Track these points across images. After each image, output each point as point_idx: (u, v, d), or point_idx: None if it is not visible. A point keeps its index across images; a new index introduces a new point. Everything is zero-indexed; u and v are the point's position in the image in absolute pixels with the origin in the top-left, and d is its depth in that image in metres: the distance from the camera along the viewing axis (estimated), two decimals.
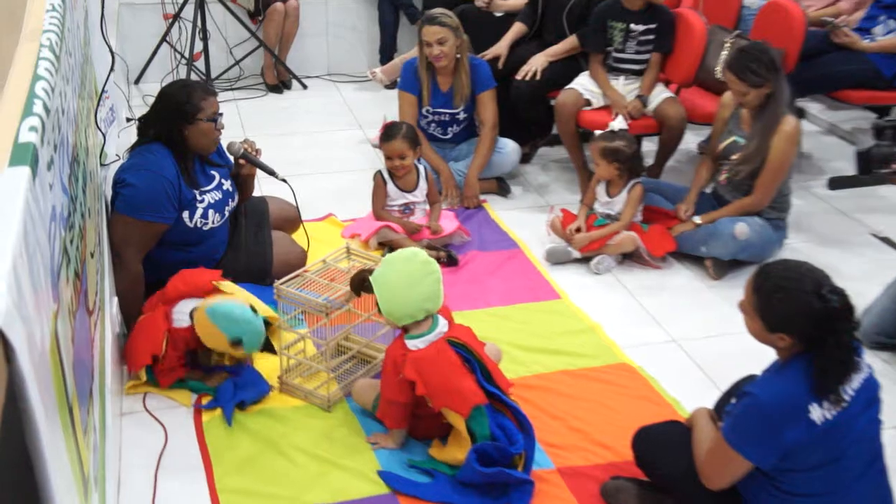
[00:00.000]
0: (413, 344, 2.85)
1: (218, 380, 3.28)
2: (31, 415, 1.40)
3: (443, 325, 2.91)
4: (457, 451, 2.83)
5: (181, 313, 3.25)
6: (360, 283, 2.97)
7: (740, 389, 2.47)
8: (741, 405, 2.38)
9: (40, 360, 1.50)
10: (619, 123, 4.34)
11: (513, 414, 2.89)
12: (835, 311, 2.28)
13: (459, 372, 2.81)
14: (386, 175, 4.36)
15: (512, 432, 2.85)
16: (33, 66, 2.07)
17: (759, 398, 2.34)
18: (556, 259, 4.29)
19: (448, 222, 4.43)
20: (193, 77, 6.22)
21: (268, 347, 3.35)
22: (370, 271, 2.95)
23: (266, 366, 3.40)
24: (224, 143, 3.71)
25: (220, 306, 3.15)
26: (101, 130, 3.75)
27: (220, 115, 3.54)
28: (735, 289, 4.08)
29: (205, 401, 3.25)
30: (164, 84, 6.25)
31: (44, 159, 1.81)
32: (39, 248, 1.64)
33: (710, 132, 4.43)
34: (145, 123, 3.53)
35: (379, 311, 2.91)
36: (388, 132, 4.34)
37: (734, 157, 4.15)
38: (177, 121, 3.45)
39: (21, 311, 1.36)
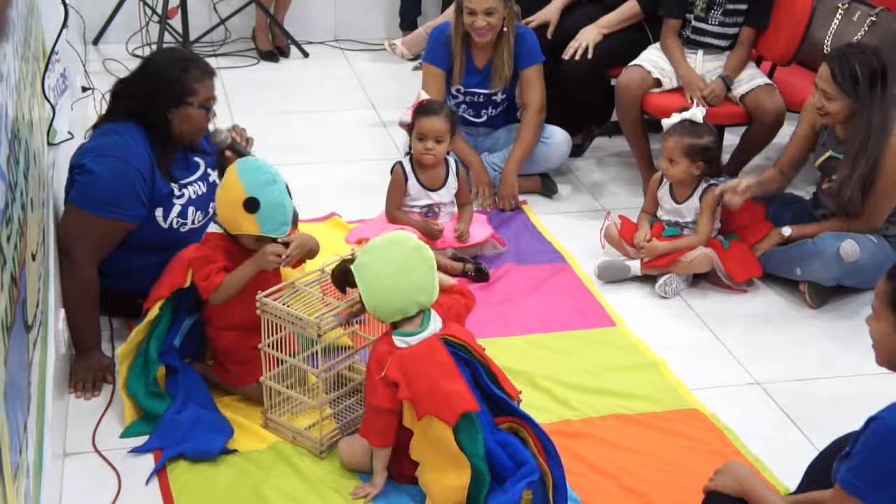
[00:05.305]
0: (402, 341, 2.98)
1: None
2: None
3: (437, 322, 3.04)
4: (454, 477, 2.87)
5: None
6: (343, 276, 3.11)
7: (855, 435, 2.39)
8: (865, 439, 2.26)
9: None
10: (696, 113, 4.25)
11: (532, 430, 2.96)
12: None
13: (450, 374, 2.91)
14: (408, 168, 4.37)
15: (517, 450, 2.91)
16: None
17: (892, 424, 2.21)
18: (611, 276, 4.29)
19: (479, 228, 4.43)
20: (168, 39, 6.27)
21: None
22: (352, 260, 3.07)
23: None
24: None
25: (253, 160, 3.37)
26: (49, 101, 3.78)
27: (214, 100, 3.58)
28: (837, 320, 4.06)
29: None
30: (129, 46, 6.40)
31: None
32: None
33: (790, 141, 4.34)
34: (119, 94, 3.57)
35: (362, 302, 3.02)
36: (428, 106, 4.35)
37: (834, 177, 4.10)
38: (161, 100, 3.47)
39: None
